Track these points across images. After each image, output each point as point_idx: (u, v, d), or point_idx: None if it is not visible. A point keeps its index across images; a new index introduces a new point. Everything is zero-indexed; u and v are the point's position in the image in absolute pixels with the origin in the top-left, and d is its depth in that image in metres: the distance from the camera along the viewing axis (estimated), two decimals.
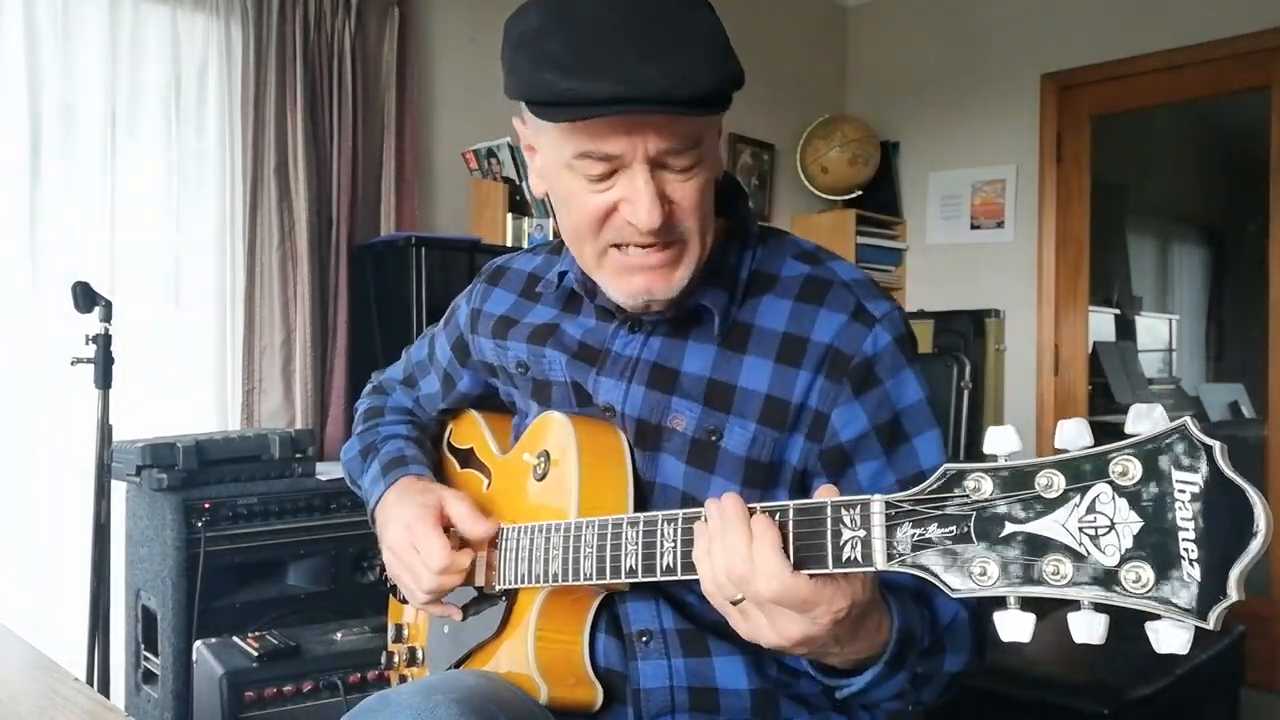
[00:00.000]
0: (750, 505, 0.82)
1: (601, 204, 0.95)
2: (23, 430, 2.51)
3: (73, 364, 2.14)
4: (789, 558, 0.78)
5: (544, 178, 1.02)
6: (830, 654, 0.86)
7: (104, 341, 2.12)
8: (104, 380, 2.12)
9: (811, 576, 0.78)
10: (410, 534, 1.10)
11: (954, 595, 0.69)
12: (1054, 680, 2.25)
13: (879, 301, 1.04)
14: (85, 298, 2.11)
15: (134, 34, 2.66)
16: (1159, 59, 3.83)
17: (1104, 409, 4.25)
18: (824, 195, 4.38)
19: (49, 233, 2.54)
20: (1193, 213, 5.78)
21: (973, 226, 4.33)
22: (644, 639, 1.04)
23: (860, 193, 4.37)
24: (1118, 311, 4.91)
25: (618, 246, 0.98)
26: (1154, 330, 5.31)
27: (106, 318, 2.13)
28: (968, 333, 4.19)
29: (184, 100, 2.76)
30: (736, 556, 0.80)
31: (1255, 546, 0.58)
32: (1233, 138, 4.91)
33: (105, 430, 2.14)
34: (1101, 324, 4.58)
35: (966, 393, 1.81)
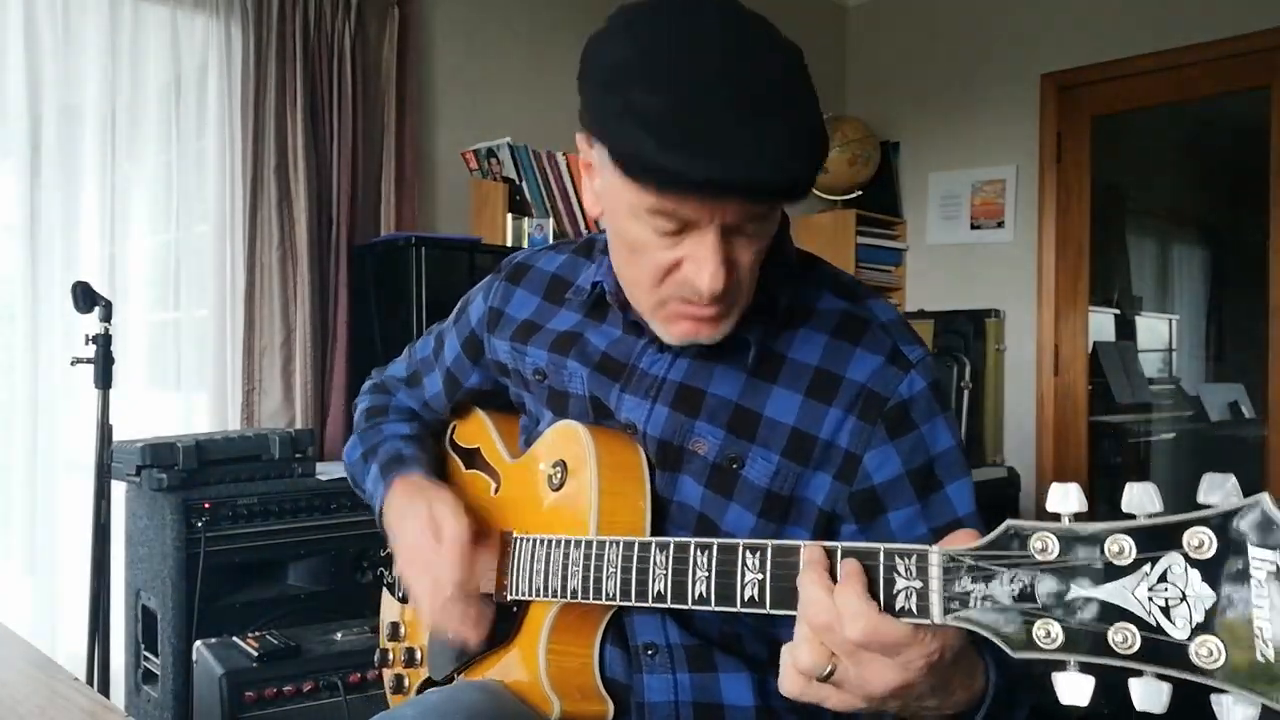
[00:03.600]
0: (833, 545, 0.78)
1: (666, 260, 0.91)
2: (23, 430, 2.51)
3: (73, 364, 2.14)
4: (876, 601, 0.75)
5: (605, 206, 0.98)
6: (926, 710, 0.81)
7: (104, 341, 2.12)
8: (104, 380, 2.12)
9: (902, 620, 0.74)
10: (419, 551, 1.10)
11: (1015, 656, 0.68)
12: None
13: (914, 347, 1.02)
14: (85, 298, 2.11)
15: (134, 34, 2.66)
16: (1159, 59, 3.83)
17: (1104, 409, 4.25)
18: (824, 195, 4.38)
19: (49, 233, 2.54)
20: (1193, 213, 5.77)
21: (973, 226, 4.33)
22: (649, 653, 1.03)
23: (860, 193, 4.37)
24: (1118, 311, 4.91)
25: (677, 300, 0.95)
26: (1154, 330, 5.31)
27: (106, 318, 2.13)
28: (968, 333, 4.19)
29: (184, 100, 2.76)
30: (818, 606, 0.75)
31: None
32: (1233, 138, 4.90)
33: (105, 430, 2.14)
34: (1101, 324, 4.58)
35: (966, 393, 1.81)
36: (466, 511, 1.10)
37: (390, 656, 1.28)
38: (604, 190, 0.96)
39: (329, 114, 2.93)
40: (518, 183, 3.18)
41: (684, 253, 0.90)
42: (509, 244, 3.09)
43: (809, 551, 0.78)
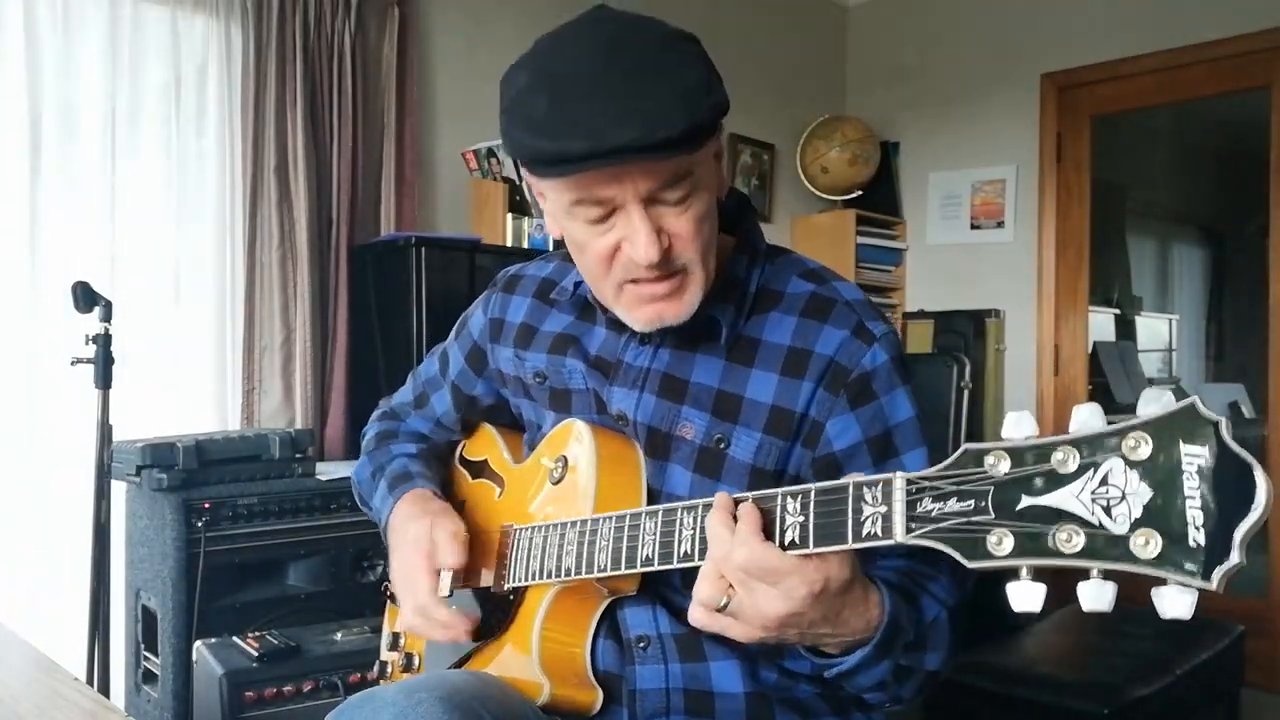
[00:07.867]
0: (747, 495, 0.88)
1: (605, 245, 0.99)
2: (23, 430, 2.51)
3: (73, 364, 2.14)
4: (778, 540, 0.84)
5: (555, 222, 1.06)
6: (824, 637, 0.89)
7: (104, 341, 2.12)
8: (104, 380, 2.13)
9: (786, 552, 0.83)
10: (409, 567, 1.14)
11: (970, 566, 0.72)
12: (1054, 680, 2.25)
13: (878, 322, 1.08)
14: (85, 298, 2.11)
15: (134, 34, 2.66)
16: (1159, 59, 3.83)
17: (1104, 409, 4.23)
18: (824, 195, 4.38)
19: (49, 233, 2.54)
20: (1193, 213, 5.78)
21: (973, 226, 4.33)
22: (641, 644, 1.06)
23: (860, 193, 4.37)
24: (1118, 311, 4.92)
25: (631, 281, 1.02)
26: (1154, 330, 5.32)
27: (106, 318, 2.13)
28: (968, 333, 4.20)
29: (184, 100, 2.76)
30: (718, 540, 0.85)
31: (1256, 512, 0.62)
32: (1233, 138, 4.91)
33: (105, 430, 2.14)
34: (1101, 324, 4.58)
35: (966, 393, 1.81)
36: (464, 514, 1.14)
37: (390, 668, 1.30)
38: (551, 207, 1.05)
39: (329, 114, 2.93)
40: (518, 183, 3.18)
41: (618, 235, 0.98)
42: (509, 244, 3.10)
43: (719, 498, 0.88)
